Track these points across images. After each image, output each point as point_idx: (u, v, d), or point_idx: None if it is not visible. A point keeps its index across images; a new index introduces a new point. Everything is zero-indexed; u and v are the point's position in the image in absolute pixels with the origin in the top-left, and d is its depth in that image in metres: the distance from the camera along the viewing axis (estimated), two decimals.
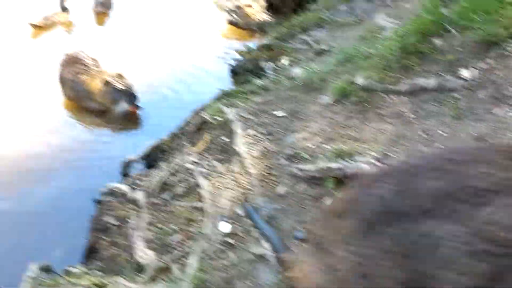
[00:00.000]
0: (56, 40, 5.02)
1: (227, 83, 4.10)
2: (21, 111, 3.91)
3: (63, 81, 3.93)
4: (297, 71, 3.05)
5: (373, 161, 2.07)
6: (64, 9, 5.19)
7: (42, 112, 3.92)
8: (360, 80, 2.52)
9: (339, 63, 2.87)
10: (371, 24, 3.36)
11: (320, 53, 3.34)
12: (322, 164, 2.18)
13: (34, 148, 3.59)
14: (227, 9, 5.01)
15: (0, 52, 4.56)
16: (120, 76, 3.78)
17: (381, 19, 3.30)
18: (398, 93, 2.42)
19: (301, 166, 2.25)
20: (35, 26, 5.04)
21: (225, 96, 3.18)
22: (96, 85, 3.79)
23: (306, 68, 3.02)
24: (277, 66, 3.46)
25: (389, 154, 2.12)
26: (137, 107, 3.76)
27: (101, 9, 5.37)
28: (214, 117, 2.87)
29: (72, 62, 3.90)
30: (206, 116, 2.90)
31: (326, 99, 2.63)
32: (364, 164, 2.06)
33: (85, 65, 3.86)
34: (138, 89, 3.82)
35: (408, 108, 2.36)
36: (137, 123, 3.82)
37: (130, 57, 4.46)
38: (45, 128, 3.79)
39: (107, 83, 3.71)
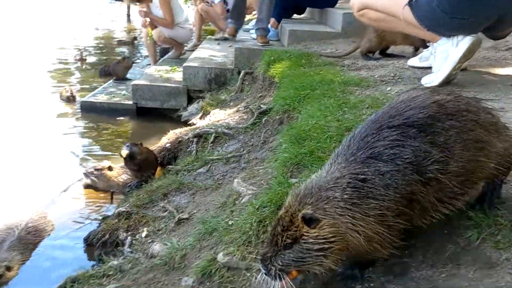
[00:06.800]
0: None
1: (79, 261, 3.64)
2: None
3: None
4: (156, 247, 2.83)
5: None
6: None
7: None
8: (221, 257, 2.40)
9: (201, 236, 2.74)
10: (229, 189, 3.41)
11: (181, 222, 3.20)
12: None
13: None
14: (85, 171, 4.73)
15: None
16: None
17: (237, 184, 3.36)
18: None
19: None
20: None
21: (72, 283, 2.75)
22: None
23: (166, 243, 2.83)
24: (135, 240, 3.20)
25: None
26: None
27: None
28: None
29: None
30: None
31: (188, 281, 2.42)
32: None
33: None
34: None
35: None
36: None
37: None
38: None
39: None
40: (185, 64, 7.16)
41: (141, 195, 3.86)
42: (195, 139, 4.90)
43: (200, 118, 6.35)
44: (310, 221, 1.61)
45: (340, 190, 1.63)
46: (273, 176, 2.84)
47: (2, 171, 4.98)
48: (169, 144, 5.30)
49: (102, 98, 7.44)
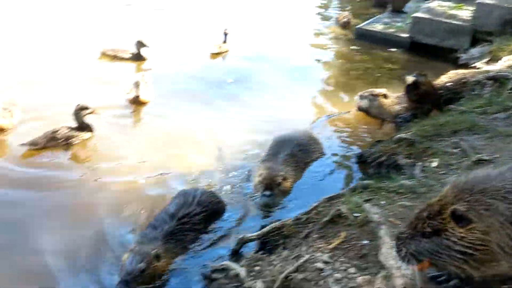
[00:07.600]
0: None
1: (353, 171, 3.79)
2: None
3: None
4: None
5: None
6: None
7: None
8: None
9: None
10: None
11: (480, 163, 2.91)
12: None
13: None
14: (361, 94, 4.79)
15: None
16: None
17: None
18: None
19: None
20: None
21: (362, 189, 2.85)
22: None
23: None
24: (425, 167, 3.07)
25: None
26: None
27: None
28: (353, 213, 2.53)
29: None
30: (343, 209, 2.57)
31: None
32: None
33: None
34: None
35: None
36: None
37: None
38: None
39: None
40: (478, 1, 6.30)
41: (426, 127, 3.67)
42: (488, 82, 4.34)
43: (487, 62, 5.60)
44: (460, 218, 1.50)
45: (507, 205, 1.46)
46: None
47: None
48: (450, 84, 4.87)
49: (377, 27, 7.33)
